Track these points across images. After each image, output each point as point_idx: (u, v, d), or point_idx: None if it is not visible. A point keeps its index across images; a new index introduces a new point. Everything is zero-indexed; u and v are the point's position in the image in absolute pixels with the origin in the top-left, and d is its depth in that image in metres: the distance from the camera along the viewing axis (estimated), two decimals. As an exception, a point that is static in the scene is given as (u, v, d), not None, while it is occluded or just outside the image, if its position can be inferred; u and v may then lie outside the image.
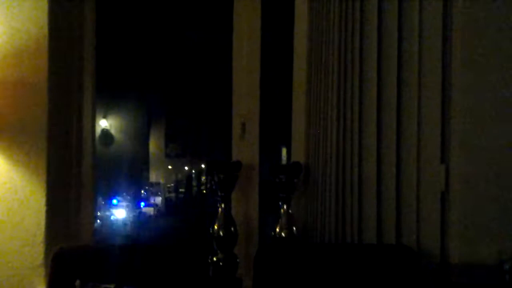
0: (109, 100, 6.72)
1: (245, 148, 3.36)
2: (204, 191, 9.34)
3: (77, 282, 2.76)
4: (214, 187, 3.23)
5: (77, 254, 2.97)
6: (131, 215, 7.88)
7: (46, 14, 3.11)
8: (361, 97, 3.10)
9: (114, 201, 7.65)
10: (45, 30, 3.11)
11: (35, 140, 3.10)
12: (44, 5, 3.11)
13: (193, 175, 9.40)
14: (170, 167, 9.27)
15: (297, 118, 3.27)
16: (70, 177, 3.31)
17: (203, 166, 9.11)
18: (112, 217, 7.50)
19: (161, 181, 9.11)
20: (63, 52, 3.25)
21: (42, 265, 3.10)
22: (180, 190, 9.41)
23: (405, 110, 3.14)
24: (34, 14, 3.11)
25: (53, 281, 2.90)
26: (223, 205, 3.17)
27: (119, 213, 7.69)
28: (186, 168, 9.32)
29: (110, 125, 7.40)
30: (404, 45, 3.14)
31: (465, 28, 3.12)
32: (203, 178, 9.32)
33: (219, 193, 3.18)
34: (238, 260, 3.17)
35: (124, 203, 7.78)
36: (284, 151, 6.80)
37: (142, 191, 8.57)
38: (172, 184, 9.37)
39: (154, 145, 8.45)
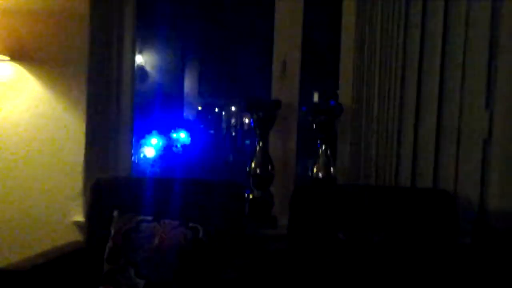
0: (144, 36, 6.68)
1: (285, 87, 3.32)
2: (233, 133, 9.33)
3: (115, 213, 2.79)
4: (252, 125, 3.21)
5: (115, 185, 3.00)
6: (160, 153, 7.91)
7: None
8: (405, 40, 3.04)
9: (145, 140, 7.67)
10: (88, -41, 3.07)
11: (76, 71, 3.12)
12: None
13: (223, 117, 9.39)
14: (200, 108, 9.25)
15: (346, 60, 3.22)
16: (110, 109, 3.31)
17: (233, 108, 9.07)
18: (141, 155, 7.54)
19: (192, 119, 9.10)
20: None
21: (80, 195, 3.15)
22: (210, 131, 9.41)
23: (450, 53, 3.05)
24: None
25: (91, 211, 2.94)
26: (261, 144, 3.17)
27: (149, 151, 7.73)
28: (216, 109, 9.30)
29: (145, 62, 7.36)
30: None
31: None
32: (233, 120, 9.30)
33: (258, 131, 3.17)
34: (274, 199, 3.18)
35: (154, 141, 7.81)
36: (316, 95, 6.73)
37: (172, 130, 8.59)
38: (202, 125, 9.37)
39: (188, 83, 8.42)
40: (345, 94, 3.21)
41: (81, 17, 3.09)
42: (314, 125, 3.14)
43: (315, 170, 3.14)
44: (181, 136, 8.66)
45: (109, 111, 3.31)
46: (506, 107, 3.03)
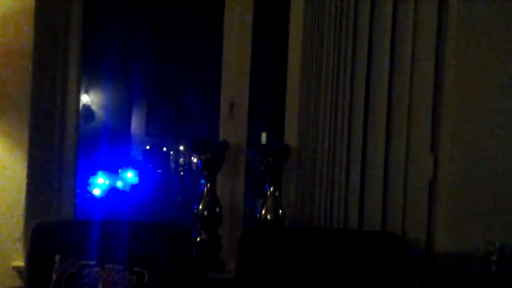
0: (91, 75, 6.62)
1: (233, 128, 3.29)
2: (182, 173, 9.27)
3: (57, 257, 2.69)
4: (200, 165, 3.17)
5: (57, 229, 2.89)
6: (106, 193, 7.80)
7: (33, -21, 3.02)
8: (352, 84, 3.07)
9: (91, 180, 7.56)
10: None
11: (18, 110, 3.03)
12: (31, -30, 3.02)
13: (171, 156, 9.32)
14: (148, 147, 9.18)
15: (291, 100, 3.23)
16: (53, 150, 3.23)
17: (181, 147, 9.03)
18: (87, 195, 7.41)
19: (139, 159, 9.03)
20: (50, 19, 3.17)
21: (21, 239, 3.04)
22: (158, 171, 9.33)
23: (396, 97, 3.10)
24: (21, -21, 3.02)
25: (31, 255, 2.81)
26: (208, 185, 3.12)
27: (95, 190, 7.60)
28: (164, 148, 9.25)
29: (92, 101, 7.30)
30: (397, 36, 3.10)
31: (459, 19, 3.08)
32: (181, 160, 9.25)
33: (205, 173, 3.12)
34: (222, 241, 3.12)
35: (100, 181, 7.70)
36: (263, 136, 6.76)
37: (120, 170, 8.49)
38: (150, 165, 9.29)
39: (135, 123, 8.36)
40: (290, 134, 3.22)
41: (24, 55, 3.01)
42: (262, 166, 3.11)
43: (263, 212, 3.10)
44: (129, 175, 8.55)
45: (52, 151, 3.23)
46: (450, 150, 3.09)
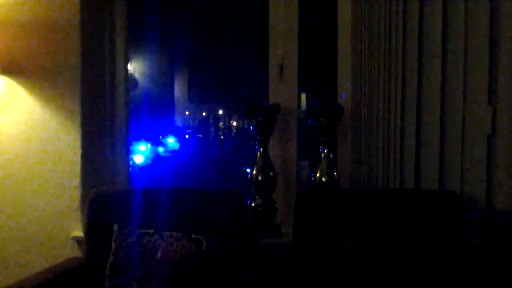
0: (132, 43, 6.62)
1: (283, 91, 3.23)
2: (222, 137, 9.32)
3: (115, 227, 2.71)
4: (252, 130, 3.13)
5: (114, 198, 2.90)
6: (149, 160, 7.87)
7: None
8: (405, 38, 2.98)
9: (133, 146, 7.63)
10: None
11: (69, 82, 3.03)
12: None
13: (211, 121, 9.36)
14: (187, 112, 9.21)
15: (343, 61, 3.15)
16: (104, 119, 3.24)
17: (220, 111, 9.05)
18: (130, 162, 7.48)
19: (180, 125, 9.08)
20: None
21: (78, 209, 3.07)
22: (198, 135, 9.39)
23: (451, 48, 2.99)
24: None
25: (90, 226, 2.85)
26: (261, 149, 3.08)
27: (137, 158, 7.67)
28: (204, 113, 9.27)
29: (134, 69, 7.32)
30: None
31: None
32: (221, 123, 9.30)
33: (258, 137, 3.09)
34: (277, 205, 3.10)
35: (142, 148, 7.77)
36: (303, 97, 6.71)
37: (161, 136, 8.55)
38: (190, 130, 9.34)
39: (177, 89, 8.37)
40: (343, 93, 3.15)
41: (71, 27, 3.01)
42: (315, 128, 3.06)
43: (318, 174, 3.06)
44: (170, 141, 8.60)
45: (103, 121, 3.23)
46: (508, 102, 2.98)
